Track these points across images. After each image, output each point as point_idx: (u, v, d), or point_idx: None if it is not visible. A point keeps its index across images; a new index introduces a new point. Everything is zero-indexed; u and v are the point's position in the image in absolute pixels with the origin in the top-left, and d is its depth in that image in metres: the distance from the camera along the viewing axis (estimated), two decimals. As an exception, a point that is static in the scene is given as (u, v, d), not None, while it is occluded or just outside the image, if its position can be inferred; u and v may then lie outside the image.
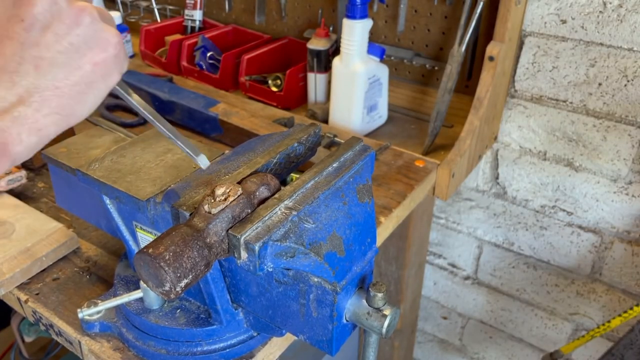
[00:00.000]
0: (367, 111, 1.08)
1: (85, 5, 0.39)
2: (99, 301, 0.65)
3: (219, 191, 0.48)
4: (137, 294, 0.63)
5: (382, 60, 1.08)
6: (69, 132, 0.99)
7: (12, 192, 0.87)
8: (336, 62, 1.05)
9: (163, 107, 1.11)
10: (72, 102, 0.39)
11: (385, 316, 0.51)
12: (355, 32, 0.99)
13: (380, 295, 0.51)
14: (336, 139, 1.01)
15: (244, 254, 0.46)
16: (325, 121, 1.13)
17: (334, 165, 0.56)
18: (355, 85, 1.03)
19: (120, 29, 1.43)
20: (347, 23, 1.00)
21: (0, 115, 0.36)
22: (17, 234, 0.77)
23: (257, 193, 0.50)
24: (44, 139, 0.39)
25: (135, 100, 0.47)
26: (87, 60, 0.39)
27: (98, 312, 0.65)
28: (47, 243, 0.75)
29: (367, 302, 0.52)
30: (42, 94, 0.37)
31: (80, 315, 0.64)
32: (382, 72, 1.07)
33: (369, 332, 0.54)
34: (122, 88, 0.45)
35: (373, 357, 0.55)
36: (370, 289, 0.51)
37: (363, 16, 0.99)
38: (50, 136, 0.39)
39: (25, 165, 0.94)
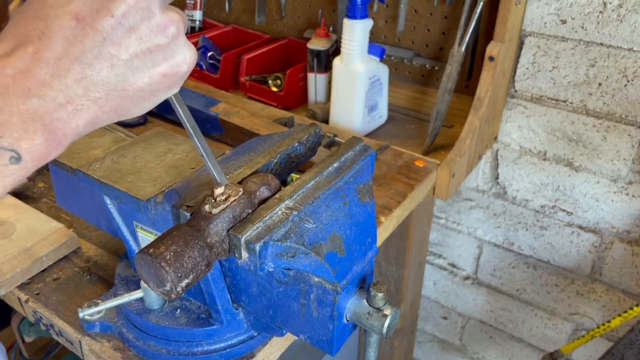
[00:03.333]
0: (368, 111, 1.08)
1: (175, 16, 0.38)
2: (100, 301, 0.65)
3: (220, 191, 0.48)
4: (137, 294, 0.63)
5: (382, 60, 1.08)
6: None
7: (12, 192, 0.87)
8: (337, 62, 1.05)
9: (164, 106, 1.10)
10: (131, 105, 0.39)
11: (385, 316, 0.51)
12: (356, 32, 0.99)
13: (380, 295, 0.51)
14: (336, 138, 1.01)
15: (244, 254, 0.46)
16: (326, 121, 1.13)
17: (335, 165, 0.56)
18: (357, 85, 1.03)
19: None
20: (347, 23, 1.00)
21: (63, 106, 0.35)
22: (17, 233, 0.77)
23: (258, 193, 0.50)
24: (96, 128, 0.39)
25: (183, 113, 0.47)
26: (159, 70, 0.38)
27: (98, 312, 0.65)
28: (47, 243, 0.75)
29: (367, 302, 0.52)
30: (109, 92, 0.37)
31: (80, 315, 0.64)
32: (383, 72, 1.07)
33: (369, 332, 0.54)
34: (176, 98, 0.45)
35: (373, 357, 0.55)
36: (370, 288, 0.51)
37: (363, 16, 0.99)
38: (101, 126, 0.39)
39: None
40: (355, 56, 1.02)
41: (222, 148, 1.06)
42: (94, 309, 0.64)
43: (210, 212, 0.46)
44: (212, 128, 1.06)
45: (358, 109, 1.05)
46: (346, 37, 1.01)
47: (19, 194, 0.88)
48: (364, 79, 1.03)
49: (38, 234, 0.76)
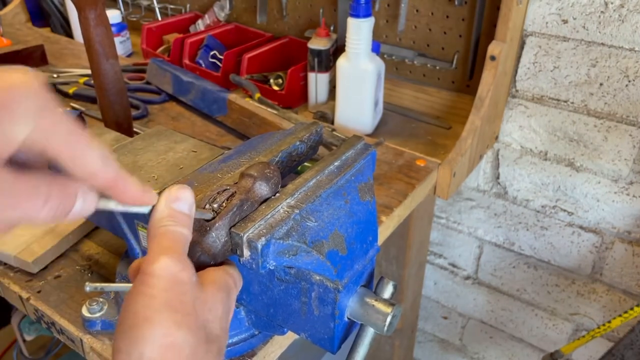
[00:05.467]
0: (374, 108, 1.07)
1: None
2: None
3: (220, 192, 0.47)
4: None
5: (379, 56, 1.08)
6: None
7: None
8: (342, 61, 1.04)
9: (181, 87, 1.17)
10: None
11: (387, 313, 0.51)
12: (363, 31, 0.99)
13: (383, 292, 0.51)
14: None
15: (246, 252, 0.46)
16: (331, 121, 1.13)
17: (336, 163, 0.56)
18: (367, 84, 1.03)
19: (119, 27, 1.43)
20: (353, 22, 0.99)
21: None
22: None
23: (259, 191, 0.50)
24: None
25: None
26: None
27: (100, 310, 0.65)
28: (69, 223, 0.78)
29: (369, 299, 0.52)
30: None
31: (82, 313, 0.64)
32: (382, 67, 1.07)
33: (364, 328, 0.53)
34: None
35: (363, 353, 0.55)
36: (373, 286, 0.51)
37: (367, 15, 0.99)
38: None
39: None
40: (363, 55, 1.01)
41: (222, 131, 1.07)
42: (95, 307, 0.64)
43: (208, 221, 0.46)
44: (218, 109, 1.09)
45: (368, 108, 1.05)
46: (352, 36, 1.00)
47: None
48: (373, 77, 1.03)
49: None
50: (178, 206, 0.42)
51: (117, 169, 0.38)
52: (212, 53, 1.30)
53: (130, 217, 0.64)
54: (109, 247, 0.79)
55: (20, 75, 0.32)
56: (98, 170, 0.36)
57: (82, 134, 0.35)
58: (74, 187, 0.36)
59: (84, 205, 0.37)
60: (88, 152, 0.35)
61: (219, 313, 0.41)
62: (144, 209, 0.42)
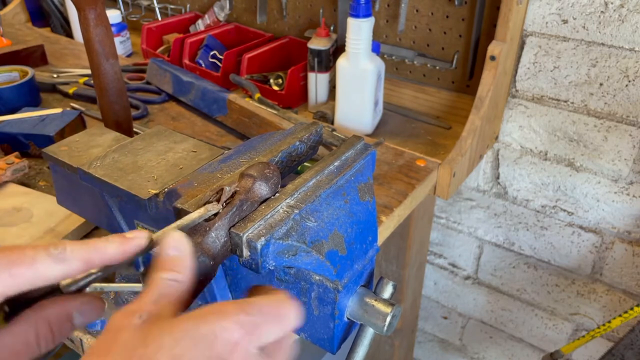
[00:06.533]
0: (374, 108, 1.07)
1: None
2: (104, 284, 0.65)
3: (220, 192, 0.47)
4: (138, 287, 0.62)
5: (379, 56, 1.08)
6: (74, 131, 0.99)
7: (20, 183, 0.89)
8: (342, 62, 1.04)
9: (181, 87, 1.17)
10: None
11: (387, 314, 0.51)
12: (363, 31, 0.99)
13: (383, 292, 0.51)
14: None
15: (246, 252, 0.46)
16: (331, 121, 1.13)
17: (336, 163, 0.56)
18: (367, 84, 1.03)
19: (119, 27, 1.43)
20: (353, 22, 0.99)
21: None
22: (36, 217, 0.79)
23: (258, 191, 0.50)
24: None
25: None
26: None
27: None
28: (69, 222, 0.78)
29: (369, 299, 0.52)
30: None
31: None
32: (382, 67, 1.07)
33: (364, 328, 0.54)
34: None
35: (363, 353, 0.55)
36: (373, 286, 0.51)
37: (367, 15, 0.99)
38: None
39: (27, 154, 0.97)
40: (363, 55, 1.01)
41: (222, 131, 1.08)
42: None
43: (207, 221, 0.45)
44: (218, 109, 1.09)
45: (368, 108, 1.05)
46: (352, 36, 1.00)
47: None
48: (373, 77, 1.03)
49: (57, 216, 0.79)
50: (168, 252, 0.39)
51: (79, 254, 0.36)
52: (212, 53, 1.30)
53: (130, 217, 0.64)
54: (108, 247, 0.79)
55: None
56: (61, 272, 0.36)
57: (24, 258, 0.34)
58: (62, 310, 0.36)
59: (83, 319, 0.37)
60: (41, 267, 0.35)
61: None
62: (139, 267, 0.40)
